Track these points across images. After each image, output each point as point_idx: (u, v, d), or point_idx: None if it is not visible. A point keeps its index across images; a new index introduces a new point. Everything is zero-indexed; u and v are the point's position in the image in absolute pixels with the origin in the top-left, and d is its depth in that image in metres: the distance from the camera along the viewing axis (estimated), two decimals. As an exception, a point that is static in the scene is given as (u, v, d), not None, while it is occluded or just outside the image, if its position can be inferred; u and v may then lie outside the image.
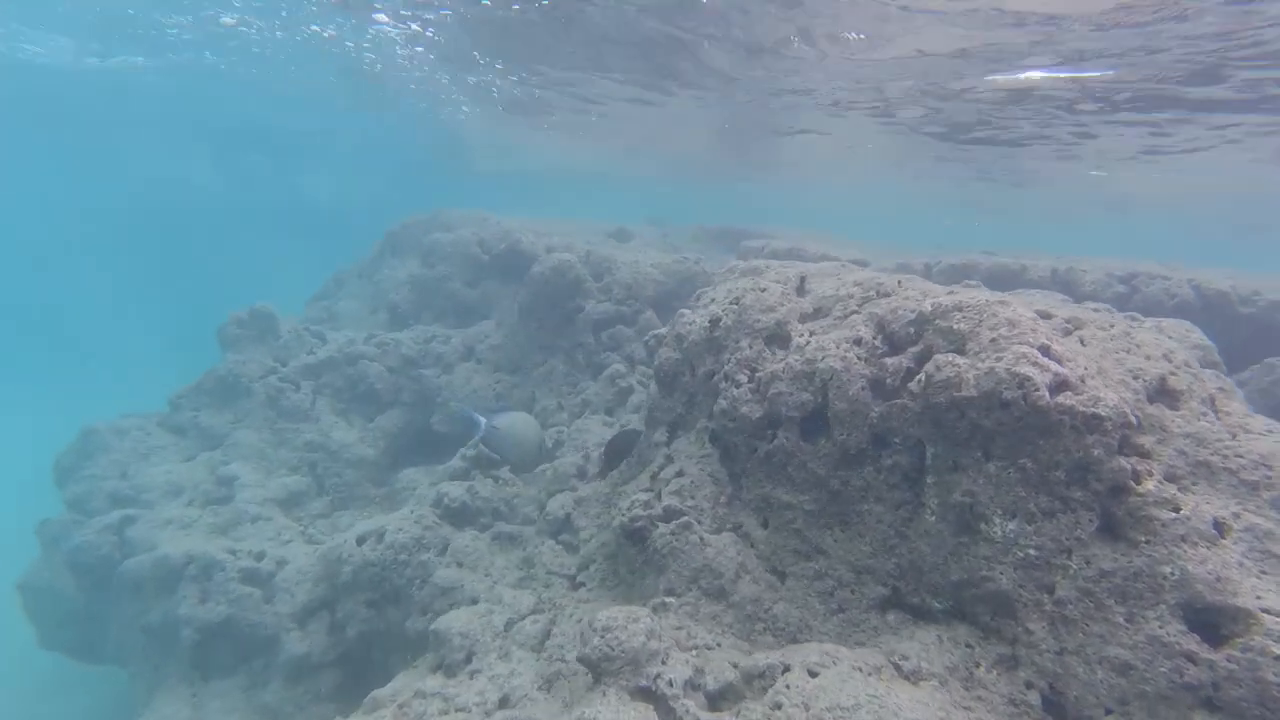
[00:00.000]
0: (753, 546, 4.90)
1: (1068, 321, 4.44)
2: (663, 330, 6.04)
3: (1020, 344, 3.86)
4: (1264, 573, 3.38)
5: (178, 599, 6.71)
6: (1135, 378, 4.01)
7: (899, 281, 5.16)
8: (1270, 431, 4.01)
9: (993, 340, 3.98)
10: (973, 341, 4.07)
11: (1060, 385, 3.69)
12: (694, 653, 4.26)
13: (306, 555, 7.23)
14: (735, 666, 3.93)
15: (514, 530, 6.66)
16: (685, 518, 4.89)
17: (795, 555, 4.75)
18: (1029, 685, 3.57)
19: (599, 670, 3.95)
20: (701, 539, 4.79)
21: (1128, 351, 4.20)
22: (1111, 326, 4.38)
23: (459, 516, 6.83)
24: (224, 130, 33.46)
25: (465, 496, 6.86)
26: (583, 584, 5.88)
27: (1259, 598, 3.22)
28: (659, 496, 5.25)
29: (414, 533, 6.55)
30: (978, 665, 3.75)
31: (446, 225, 13.34)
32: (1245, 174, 16.83)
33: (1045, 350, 3.85)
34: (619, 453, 6.64)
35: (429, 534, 6.60)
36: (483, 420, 6.93)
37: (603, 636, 4.00)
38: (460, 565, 6.33)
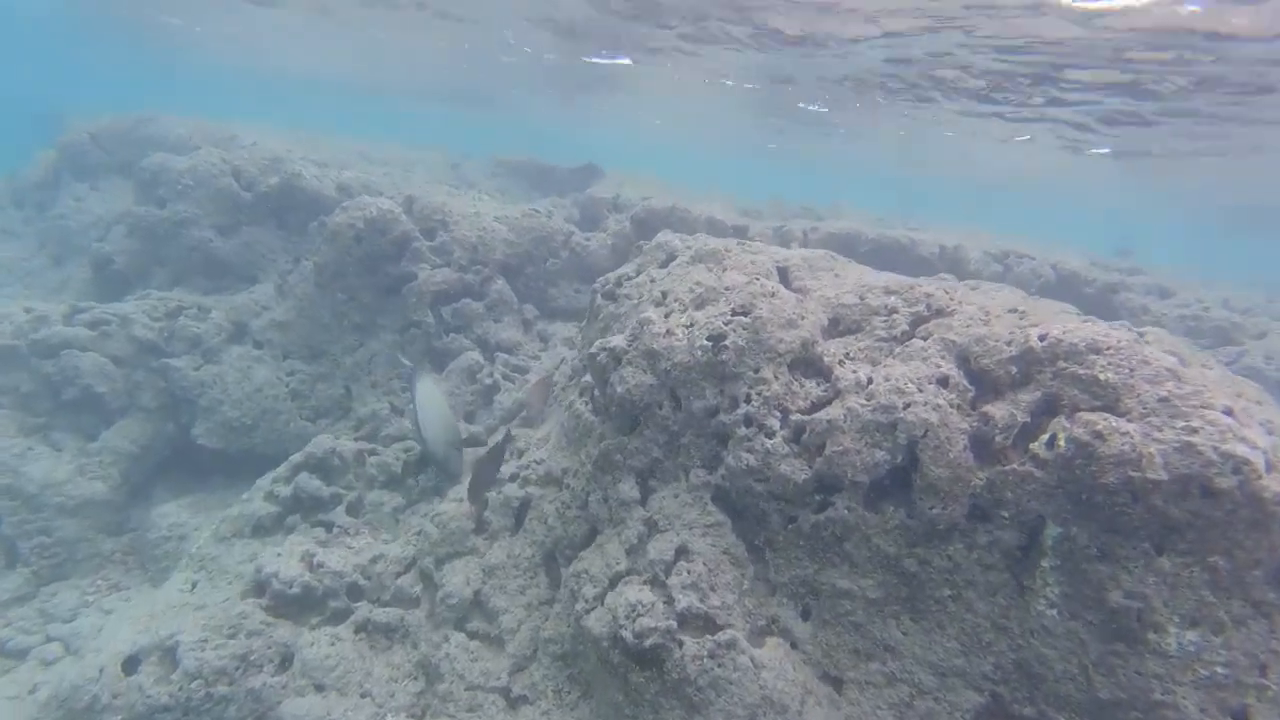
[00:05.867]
0: (795, 648, 3.71)
1: (1170, 352, 3.77)
2: (615, 341, 4.40)
3: (1207, 409, 3.05)
4: None
5: None
6: (1270, 433, 3.45)
7: (946, 292, 4.14)
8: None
9: (1163, 400, 3.12)
10: (1130, 398, 3.18)
11: (1271, 464, 2.96)
12: (788, 844, 3.01)
13: (12, 698, 4.49)
14: None
15: (389, 618, 4.69)
16: (725, 632, 3.51)
17: (854, 655, 3.67)
18: (1225, 835, 2.91)
19: None
20: (753, 661, 3.47)
21: (1239, 395, 3.65)
22: (1209, 366, 3.81)
23: (300, 605, 4.66)
24: None
25: (306, 575, 4.68)
26: (524, 699, 4.24)
27: None
28: (658, 586, 3.78)
29: (234, 647, 4.28)
30: (1152, 810, 3.01)
31: (165, 140, 9.62)
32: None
33: (1229, 413, 3.09)
34: (484, 483, 5.05)
35: (257, 642, 4.37)
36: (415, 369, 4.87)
37: None
38: (320, 688, 4.27)
